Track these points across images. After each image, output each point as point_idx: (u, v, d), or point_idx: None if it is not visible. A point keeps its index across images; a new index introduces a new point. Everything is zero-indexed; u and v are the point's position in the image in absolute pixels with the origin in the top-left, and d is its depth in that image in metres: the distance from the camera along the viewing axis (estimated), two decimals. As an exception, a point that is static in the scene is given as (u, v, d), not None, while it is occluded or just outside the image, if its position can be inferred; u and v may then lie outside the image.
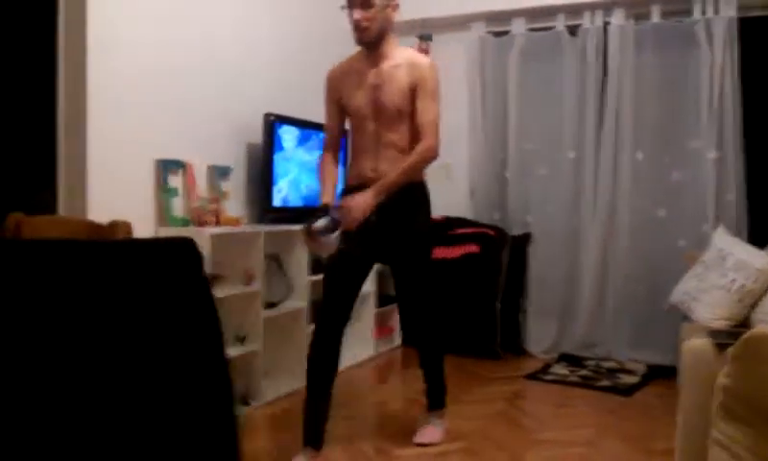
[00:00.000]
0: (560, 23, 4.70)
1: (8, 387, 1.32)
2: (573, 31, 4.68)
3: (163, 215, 3.32)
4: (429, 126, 2.87)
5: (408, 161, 2.85)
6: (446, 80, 5.10)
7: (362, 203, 2.73)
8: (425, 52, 5.16)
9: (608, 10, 4.55)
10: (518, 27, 4.82)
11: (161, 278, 1.66)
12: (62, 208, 3.05)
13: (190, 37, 3.51)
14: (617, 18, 4.52)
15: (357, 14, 2.81)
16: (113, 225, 2.64)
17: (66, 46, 3.04)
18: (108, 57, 3.07)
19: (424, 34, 5.13)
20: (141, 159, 3.26)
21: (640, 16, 4.52)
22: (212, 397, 1.73)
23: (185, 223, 3.37)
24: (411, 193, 2.92)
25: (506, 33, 4.88)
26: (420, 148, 2.86)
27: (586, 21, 4.61)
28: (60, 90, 3.06)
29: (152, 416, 1.56)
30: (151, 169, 3.31)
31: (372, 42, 2.87)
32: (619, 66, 4.51)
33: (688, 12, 4.36)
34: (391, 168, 2.85)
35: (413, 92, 2.89)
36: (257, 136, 3.81)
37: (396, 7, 2.91)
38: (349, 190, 2.93)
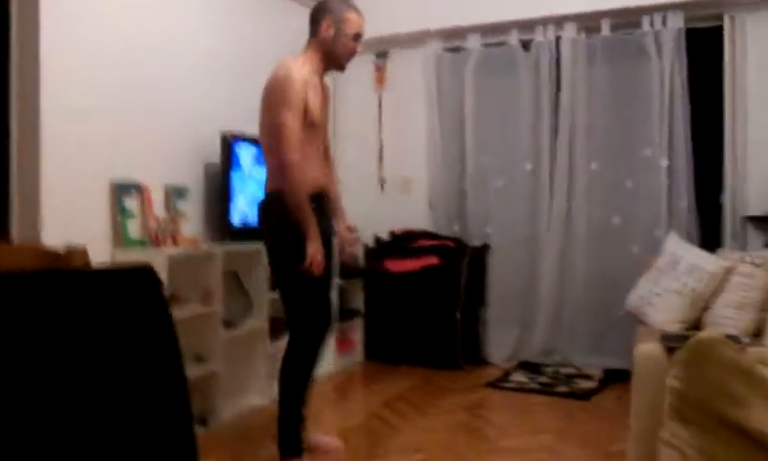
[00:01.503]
0: (513, 38, 4.79)
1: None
2: (527, 45, 4.76)
3: (119, 236, 3.28)
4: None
5: (335, 174, 3.34)
6: (404, 96, 5.20)
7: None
8: (382, 69, 5.23)
9: (559, 24, 4.64)
10: (473, 42, 4.89)
11: (121, 305, 1.68)
12: (16, 230, 3.00)
13: (145, 56, 3.49)
14: (569, 32, 4.62)
15: (360, 47, 3.04)
16: (70, 252, 2.59)
17: (19, 69, 3.00)
18: (61, 78, 3.04)
19: (380, 51, 5.19)
20: (96, 181, 3.23)
21: (591, 30, 4.62)
22: (172, 417, 1.74)
23: (142, 244, 3.34)
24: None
25: (461, 49, 4.95)
26: (331, 159, 3.31)
27: (538, 35, 4.71)
28: (13, 113, 3.01)
29: (113, 437, 1.56)
30: (106, 191, 3.28)
31: None
32: (572, 79, 4.61)
33: (638, 25, 4.47)
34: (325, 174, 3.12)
35: None
36: (215, 156, 3.80)
37: None
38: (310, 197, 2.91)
